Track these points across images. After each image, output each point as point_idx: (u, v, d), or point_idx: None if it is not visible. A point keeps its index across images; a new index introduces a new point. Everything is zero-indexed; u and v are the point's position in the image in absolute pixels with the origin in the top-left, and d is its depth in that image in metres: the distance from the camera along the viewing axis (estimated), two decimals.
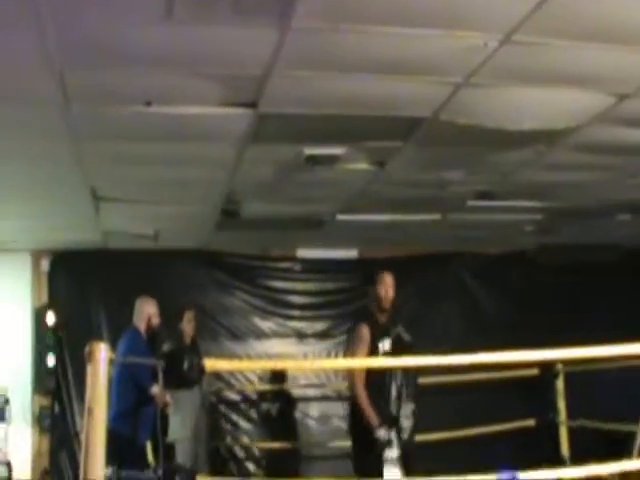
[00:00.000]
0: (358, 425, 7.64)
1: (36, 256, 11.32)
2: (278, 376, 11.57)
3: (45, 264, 11.37)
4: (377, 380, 7.42)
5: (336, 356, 11.58)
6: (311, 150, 6.94)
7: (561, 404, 10.94)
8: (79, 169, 7.36)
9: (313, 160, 7.06)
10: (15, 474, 10.24)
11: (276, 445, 11.33)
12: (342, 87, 5.54)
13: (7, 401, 10.55)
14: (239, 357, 11.44)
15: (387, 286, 7.78)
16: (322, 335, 11.93)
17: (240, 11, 4.37)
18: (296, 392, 11.77)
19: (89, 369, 4.59)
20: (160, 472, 5.73)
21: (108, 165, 7.33)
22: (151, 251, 11.11)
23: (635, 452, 9.51)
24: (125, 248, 10.99)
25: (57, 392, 11.03)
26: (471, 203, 9.13)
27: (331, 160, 7.13)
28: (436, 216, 9.83)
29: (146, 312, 8.45)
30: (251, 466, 11.35)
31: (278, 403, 11.63)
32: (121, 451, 6.68)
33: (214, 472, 9.58)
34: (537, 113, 6.22)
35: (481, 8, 4.45)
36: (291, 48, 4.81)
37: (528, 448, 10.44)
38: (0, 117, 5.98)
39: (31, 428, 10.95)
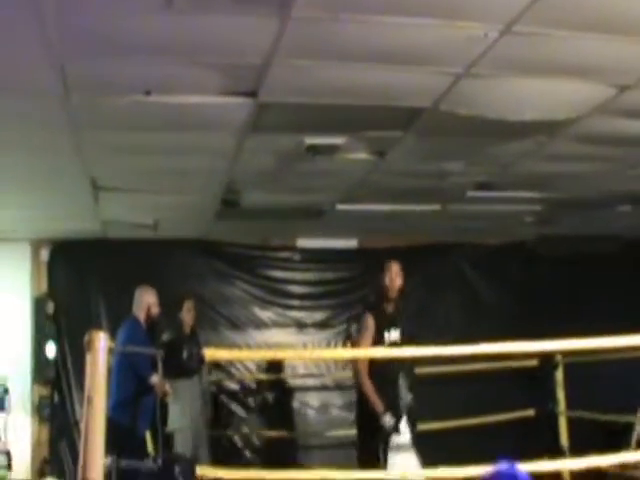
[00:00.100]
0: (364, 413, 7.67)
1: (36, 246, 11.31)
2: (275, 366, 11.59)
3: (45, 254, 11.36)
4: (382, 369, 7.42)
5: (335, 346, 11.59)
6: (311, 140, 6.93)
7: (560, 395, 10.97)
8: (79, 159, 7.35)
9: (313, 150, 7.06)
10: (15, 463, 10.24)
11: (274, 434, 11.36)
12: (342, 77, 5.53)
13: (7, 391, 10.55)
14: (239, 347, 11.44)
15: (393, 275, 7.78)
16: (322, 325, 11.94)
17: (240, 0, 4.36)
18: (295, 382, 11.78)
19: (88, 358, 4.60)
20: (159, 461, 5.74)
21: (108, 155, 7.32)
22: (151, 241, 11.10)
23: (633, 443, 9.55)
24: (125, 238, 10.98)
25: (57, 381, 11.02)
26: (471, 194, 9.13)
27: (331, 150, 7.13)
28: (436, 206, 9.82)
29: (145, 301, 8.46)
30: (250, 455, 11.36)
31: (275, 393, 11.66)
32: (120, 440, 6.69)
33: (214, 461, 9.58)
34: (537, 104, 6.21)
35: None
36: (291, 37, 4.80)
37: (527, 438, 10.45)
38: (0, 108, 5.98)
39: (31, 417, 10.95)
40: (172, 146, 7.06)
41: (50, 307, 11.00)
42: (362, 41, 4.94)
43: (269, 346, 11.63)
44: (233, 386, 11.63)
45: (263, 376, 11.69)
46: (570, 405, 10.80)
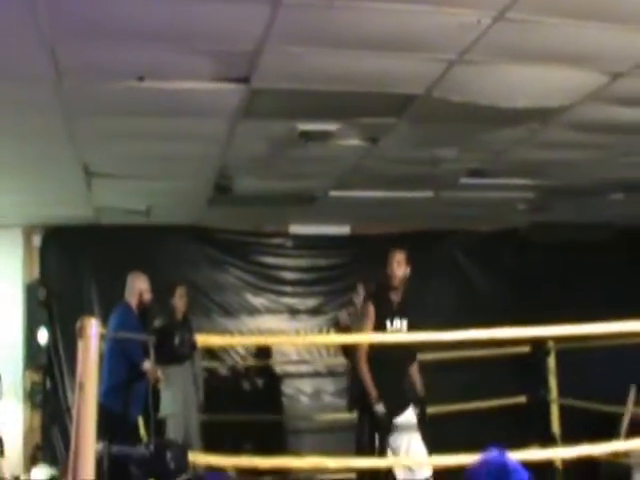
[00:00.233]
0: (364, 398, 7.69)
1: (28, 232, 11.29)
2: (264, 351, 11.61)
3: (37, 239, 11.34)
4: (383, 356, 7.38)
5: (328, 332, 11.60)
6: (304, 126, 6.93)
7: (552, 382, 10.97)
8: (71, 145, 7.33)
9: (306, 136, 7.04)
10: (7, 450, 10.23)
11: (265, 419, 11.36)
12: (335, 63, 5.52)
13: None
14: (231, 333, 11.45)
15: (395, 264, 7.74)
16: (314, 311, 11.96)
17: None
18: (288, 368, 11.80)
19: (80, 344, 4.59)
20: (151, 447, 5.73)
21: (100, 141, 7.30)
22: (143, 227, 11.10)
23: (623, 433, 9.58)
24: (117, 224, 10.97)
25: (49, 368, 11.02)
26: (464, 180, 9.13)
27: (324, 136, 7.12)
28: (428, 193, 9.82)
29: (137, 288, 8.46)
30: (241, 440, 11.36)
31: (264, 379, 11.69)
32: (112, 426, 6.69)
33: (206, 447, 9.58)
34: (530, 91, 6.21)
35: None
36: (283, 24, 4.79)
37: (519, 425, 10.46)
38: None
39: (23, 404, 10.96)
40: (165, 132, 7.05)
41: (42, 293, 10.98)
42: (355, 28, 4.93)
43: (261, 332, 11.64)
44: (224, 372, 11.64)
45: (253, 362, 11.71)
46: (562, 392, 10.81)
